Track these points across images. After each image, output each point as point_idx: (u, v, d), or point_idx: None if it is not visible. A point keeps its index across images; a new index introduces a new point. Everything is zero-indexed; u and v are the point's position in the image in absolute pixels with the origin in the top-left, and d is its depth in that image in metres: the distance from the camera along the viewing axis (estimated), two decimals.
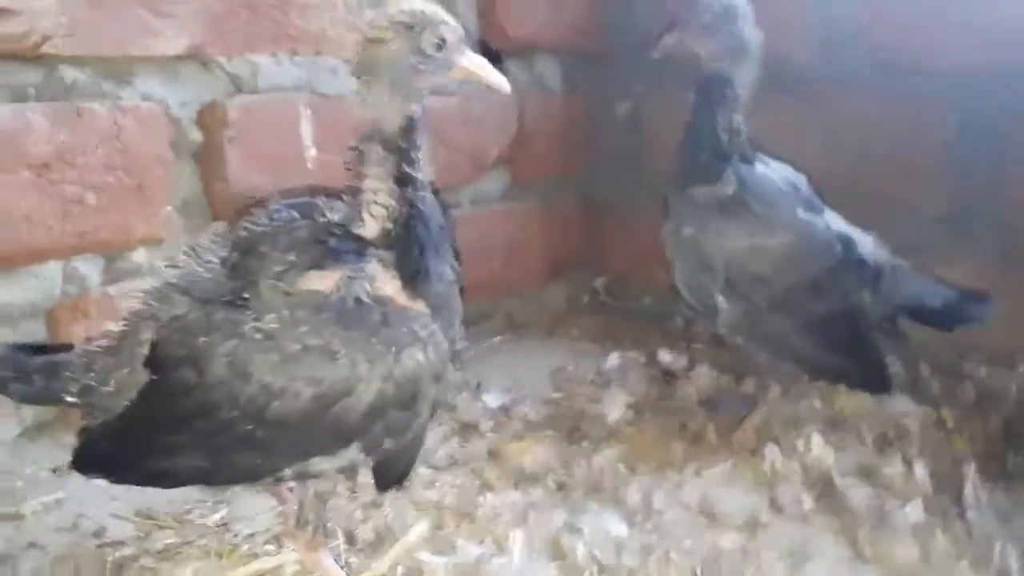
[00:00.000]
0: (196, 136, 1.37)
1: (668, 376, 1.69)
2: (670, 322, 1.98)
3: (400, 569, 1.10)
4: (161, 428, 0.92)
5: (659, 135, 1.93)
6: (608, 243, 2.18)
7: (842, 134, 1.75)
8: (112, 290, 1.31)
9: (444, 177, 1.76)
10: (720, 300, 1.36)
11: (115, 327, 0.99)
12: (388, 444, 0.93)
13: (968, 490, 1.28)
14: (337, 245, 0.92)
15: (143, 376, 0.93)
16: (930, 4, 1.64)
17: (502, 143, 1.90)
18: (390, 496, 1.21)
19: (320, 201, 0.99)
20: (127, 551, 1.13)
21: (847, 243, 1.36)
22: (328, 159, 1.51)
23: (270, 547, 1.14)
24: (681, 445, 1.43)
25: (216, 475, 0.94)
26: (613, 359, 1.73)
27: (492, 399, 1.59)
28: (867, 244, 1.39)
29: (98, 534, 1.18)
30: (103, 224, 1.26)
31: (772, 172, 1.39)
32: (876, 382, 1.37)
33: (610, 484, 1.31)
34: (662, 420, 1.51)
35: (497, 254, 1.96)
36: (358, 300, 0.90)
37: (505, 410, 1.55)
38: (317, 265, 0.91)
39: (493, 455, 1.39)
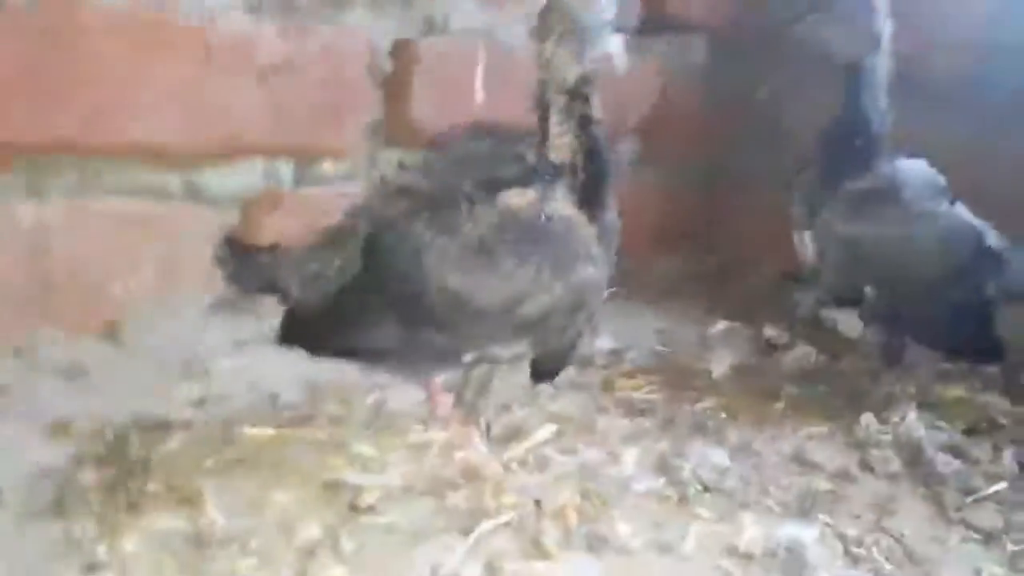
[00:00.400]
0: (387, 67, 1.54)
1: (771, 348, 1.80)
2: (776, 304, 2.09)
3: (531, 458, 1.26)
4: (369, 309, 1.09)
5: (794, 122, 2.01)
6: (726, 222, 2.28)
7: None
8: (301, 191, 1.50)
9: None
10: (868, 290, 1.47)
11: (332, 223, 1.17)
12: (553, 342, 1.11)
13: None
14: (537, 167, 1.10)
15: (356, 264, 1.11)
16: None
17: (639, 113, 2.03)
18: (521, 400, 1.39)
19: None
20: (299, 412, 1.33)
21: (979, 233, 1.45)
22: (494, 103, 1.67)
23: (419, 426, 1.31)
24: (779, 405, 1.55)
25: (408, 354, 1.12)
26: (719, 327, 1.86)
27: (604, 342, 1.74)
28: (992, 235, 1.48)
29: (273, 398, 1.38)
30: (304, 132, 1.45)
31: (912, 166, 1.49)
32: (993, 356, 1.49)
33: (712, 426, 1.44)
34: (762, 383, 1.63)
35: None
36: (548, 217, 1.07)
37: (616, 353, 1.69)
38: (519, 182, 1.09)
39: (607, 385, 1.54)
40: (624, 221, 1.90)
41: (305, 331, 1.15)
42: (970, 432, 1.50)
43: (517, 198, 1.08)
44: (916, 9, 1.59)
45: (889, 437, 1.43)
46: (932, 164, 1.55)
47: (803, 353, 1.75)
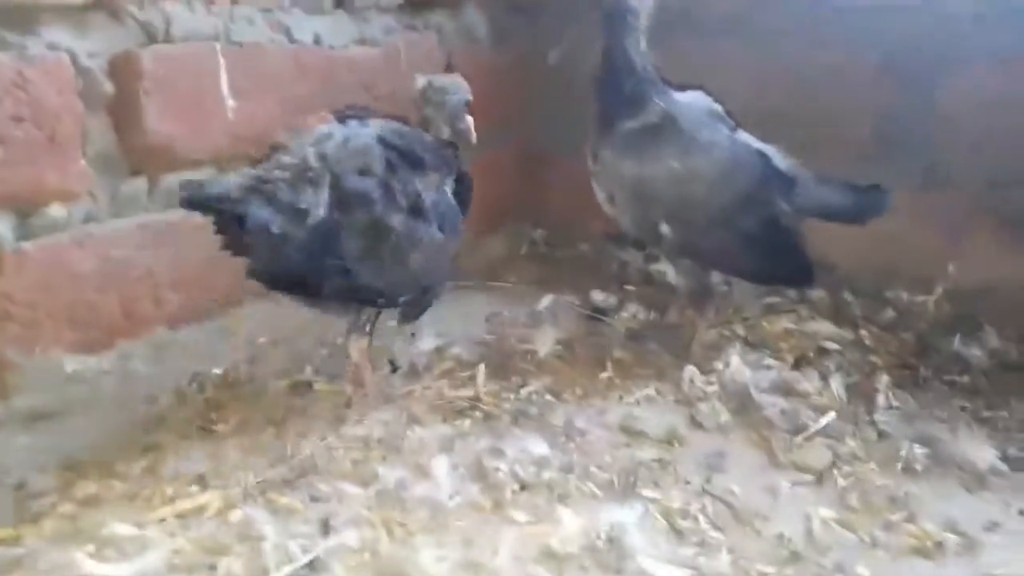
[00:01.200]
0: (108, 87, 1.35)
1: (599, 314, 1.72)
2: (606, 267, 2.02)
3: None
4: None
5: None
6: (545, 193, 2.19)
7: (772, 74, 1.79)
8: (29, 246, 1.30)
9: None
10: (663, 227, 1.41)
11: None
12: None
13: (880, 398, 1.33)
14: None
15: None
16: None
17: None
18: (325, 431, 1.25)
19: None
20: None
21: (765, 157, 1.40)
22: (248, 108, 1.51)
23: (194, 487, 1.14)
24: (606, 374, 1.46)
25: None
26: (546, 301, 1.76)
27: (426, 343, 1.60)
28: (779, 157, 1.43)
29: (20, 487, 1.18)
30: (12, 178, 1.25)
31: (688, 98, 1.43)
32: (803, 277, 1.46)
33: (536, 411, 1.34)
34: (589, 353, 1.54)
35: None
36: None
37: (440, 351, 1.57)
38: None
39: (423, 392, 1.41)
40: None
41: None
42: (798, 364, 1.46)
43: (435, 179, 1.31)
44: None
45: (716, 387, 1.36)
46: (714, 94, 1.50)
47: (631, 313, 1.68)
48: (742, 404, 1.32)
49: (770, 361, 1.44)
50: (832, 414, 1.28)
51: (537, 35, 2.13)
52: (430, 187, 1.29)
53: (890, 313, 1.68)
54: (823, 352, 1.51)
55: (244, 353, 1.52)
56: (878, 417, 1.27)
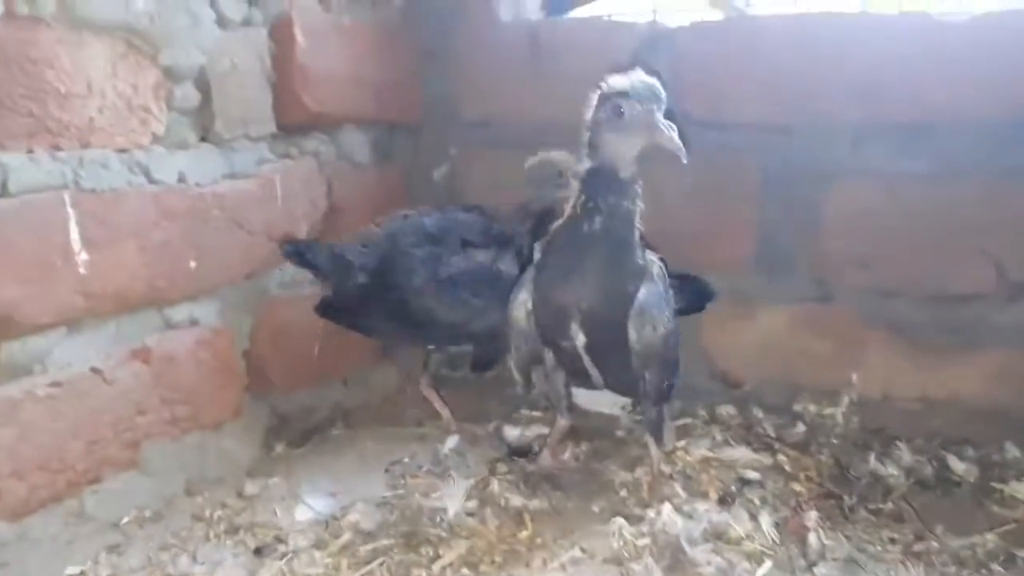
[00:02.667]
0: None
1: (514, 455, 1.60)
2: (510, 388, 1.92)
3: None
4: (374, 304, 1.60)
5: (475, 195, 1.90)
6: None
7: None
8: None
9: (248, 263, 1.62)
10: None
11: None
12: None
13: (811, 538, 1.27)
14: (491, 235, 1.64)
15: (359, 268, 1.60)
16: (731, 65, 1.70)
17: (311, 221, 1.77)
18: None
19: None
20: None
21: None
22: (102, 260, 1.33)
23: None
24: (526, 533, 1.34)
25: (396, 337, 1.78)
26: (451, 443, 1.63)
27: (314, 508, 1.43)
28: None
29: None
30: None
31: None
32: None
33: None
34: (506, 507, 1.42)
35: (314, 339, 1.81)
36: (496, 270, 1.60)
37: (336, 520, 1.40)
38: (476, 245, 1.63)
39: None
40: (328, 339, 1.80)
41: (336, 313, 1.64)
42: (724, 501, 1.39)
43: (480, 254, 1.61)
44: None
45: (647, 541, 1.27)
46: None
47: (549, 456, 1.56)
48: (676, 560, 1.23)
49: (698, 504, 1.36)
50: (768, 564, 1.21)
51: (419, 152, 2.07)
52: (472, 260, 1.60)
53: (801, 428, 1.66)
54: (746, 483, 1.45)
55: (104, 541, 1.31)
56: (817, 570, 1.20)
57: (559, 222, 1.30)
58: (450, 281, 1.57)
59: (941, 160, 1.53)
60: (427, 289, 1.57)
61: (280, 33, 1.65)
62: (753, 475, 1.47)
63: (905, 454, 1.50)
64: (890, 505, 1.36)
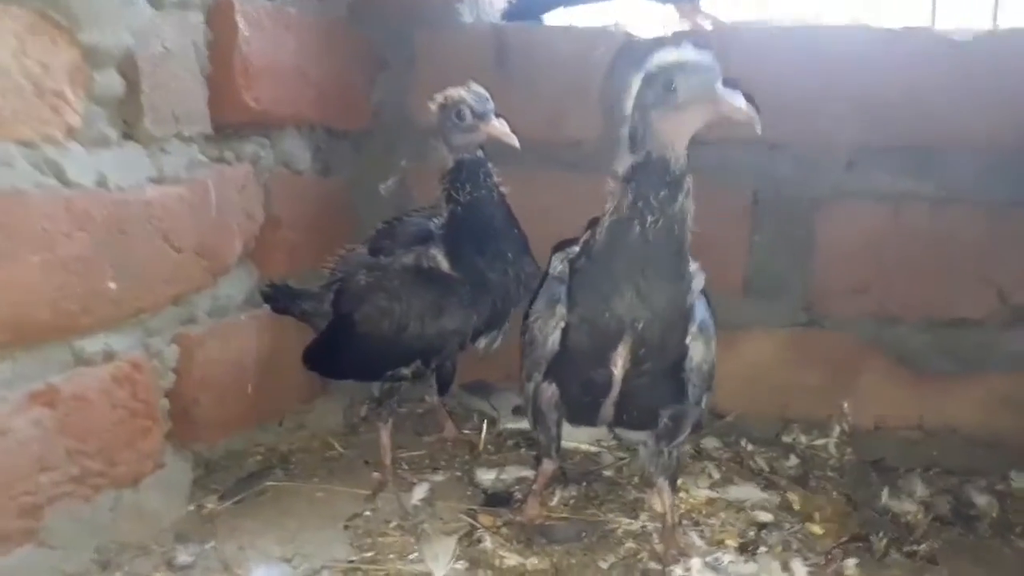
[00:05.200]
0: None
1: (492, 503, 1.40)
2: (468, 420, 1.73)
3: None
4: (335, 342, 1.51)
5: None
6: None
7: None
8: None
9: (175, 284, 1.36)
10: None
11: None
12: (436, 361, 1.49)
13: None
14: (421, 234, 1.47)
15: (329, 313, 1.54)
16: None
17: (246, 236, 1.52)
18: None
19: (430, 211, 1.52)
20: None
21: None
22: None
23: None
24: None
25: (360, 373, 1.57)
26: (420, 492, 1.41)
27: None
28: None
29: None
30: None
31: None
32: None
33: None
34: (501, 567, 1.21)
35: (247, 374, 1.56)
36: (419, 268, 1.43)
37: None
38: (407, 245, 1.47)
39: None
40: (261, 375, 1.58)
41: (316, 358, 1.57)
42: (744, 550, 1.25)
43: (406, 257, 1.46)
44: None
45: None
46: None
47: (534, 504, 1.37)
48: None
49: (720, 555, 1.20)
50: None
51: (364, 163, 1.85)
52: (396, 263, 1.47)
53: (794, 460, 1.55)
54: (761, 527, 1.31)
55: None
56: None
57: (597, 227, 1.13)
58: (373, 289, 1.45)
59: (944, 183, 1.47)
60: (359, 304, 1.46)
61: (219, 19, 1.40)
62: (766, 517, 1.34)
63: (918, 487, 1.40)
64: (924, 546, 1.24)
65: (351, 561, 1.23)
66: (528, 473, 1.48)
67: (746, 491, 1.40)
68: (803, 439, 1.60)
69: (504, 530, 1.30)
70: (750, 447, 1.59)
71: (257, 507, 1.40)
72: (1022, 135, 1.40)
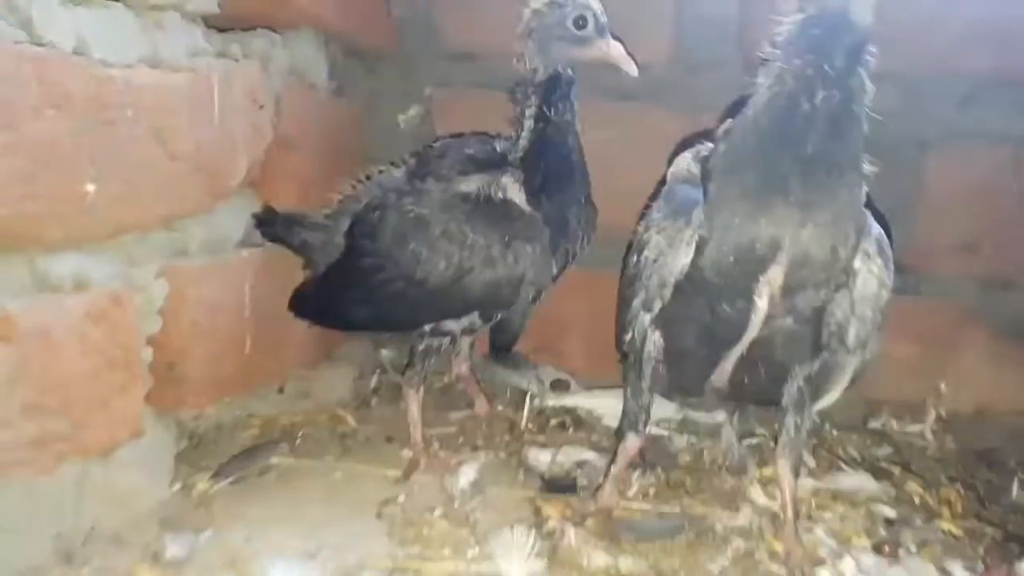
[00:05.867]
0: None
1: (553, 488, 1.14)
2: (498, 396, 1.47)
3: None
4: (347, 283, 1.22)
5: None
6: None
7: None
8: None
9: (168, 202, 1.07)
10: None
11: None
12: (500, 314, 1.21)
13: None
14: (484, 159, 1.21)
15: (343, 243, 1.24)
16: None
17: (252, 154, 1.23)
18: None
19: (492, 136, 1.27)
20: None
21: None
22: None
23: None
24: None
25: (381, 324, 1.28)
26: (468, 472, 1.14)
27: None
28: None
29: None
30: None
31: None
32: None
33: None
34: (589, 569, 0.95)
35: (244, 328, 1.26)
36: (488, 200, 1.16)
37: None
38: (466, 172, 1.19)
39: None
40: (260, 330, 1.27)
41: (308, 304, 1.28)
42: (880, 550, 1.02)
43: (464, 184, 1.18)
44: None
45: None
46: None
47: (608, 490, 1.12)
48: None
49: (860, 556, 0.97)
50: None
51: (377, 89, 1.57)
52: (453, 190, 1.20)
53: (887, 449, 1.33)
54: (888, 523, 1.08)
55: None
56: None
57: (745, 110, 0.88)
58: (422, 222, 1.16)
59: None
60: (397, 240, 1.17)
61: None
62: (889, 512, 1.11)
63: None
64: None
65: (394, 558, 0.95)
66: (589, 455, 1.23)
67: (858, 481, 1.17)
68: (894, 424, 1.38)
69: (583, 522, 1.03)
70: (835, 432, 1.37)
71: (262, 490, 1.11)
72: None
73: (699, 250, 0.90)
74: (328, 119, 1.43)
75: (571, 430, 1.36)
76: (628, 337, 1.01)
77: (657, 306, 0.95)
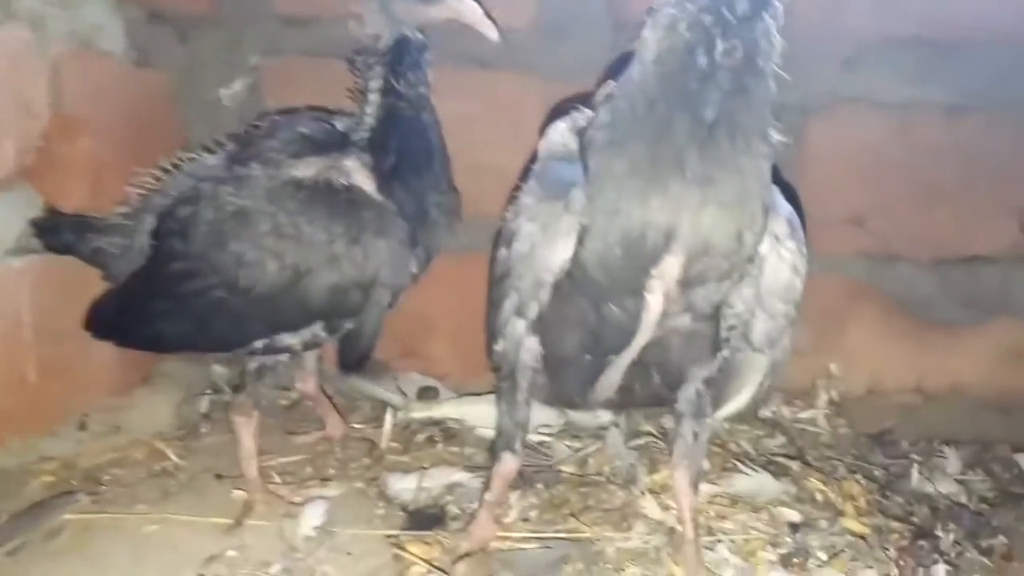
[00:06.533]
0: None
1: (419, 525, 0.97)
2: (356, 411, 1.28)
3: None
4: (154, 293, 0.99)
5: None
6: None
7: None
8: None
9: None
10: None
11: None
12: (348, 324, 0.98)
13: None
14: (322, 139, 1.01)
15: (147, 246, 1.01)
16: None
17: (22, 139, 0.99)
18: None
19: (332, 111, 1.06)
20: None
21: None
22: None
23: None
24: None
25: (198, 341, 1.02)
26: (313, 513, 0.95)
27: None
28: None
29: None
30: None
31: None
32: None
33: None
34: None
35: (25, 353, 1.03)
36: (328, 187, 0.95)
37: None
38: (300, 155, 0.98)
39: None
40: (48, 352, 1.14)
41: (109, 321, 1.03)
42: (789, 562, 0.90)
43: (298, 169, 0.97)
44: None
45: None
46: None
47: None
48: None
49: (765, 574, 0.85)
50: None
51: (194, 60, 1.34)
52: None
53: (780, 439, 1.24)
54: (792, 528, 0.97)
55: None
56: None
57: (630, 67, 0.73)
58: (244, 216, 0.95)
59: (962, 88, 1.20)
60: (213, 239, 0.96)
61: None
62: (792, 514, 1.00)
63: (951, 462, 1.14)
64: (1000, 539, 0.96)
65: None
66: (460, 476, 1.06)
67: (757, 482, 1.06)
68: (786, 412, 1.30)
69: (455, 564, 0.87)
70: (725, 424, 1.26)
71: (49, 558, 0.89)
72: None
73: (580, 240, 0.74)
74: (128, 95, 1.19)
75: (440, 445, 1.19)
76: (499, 347, 0.85)
77: (533, 310, 0.79)
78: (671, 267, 0.72)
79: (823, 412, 1.29)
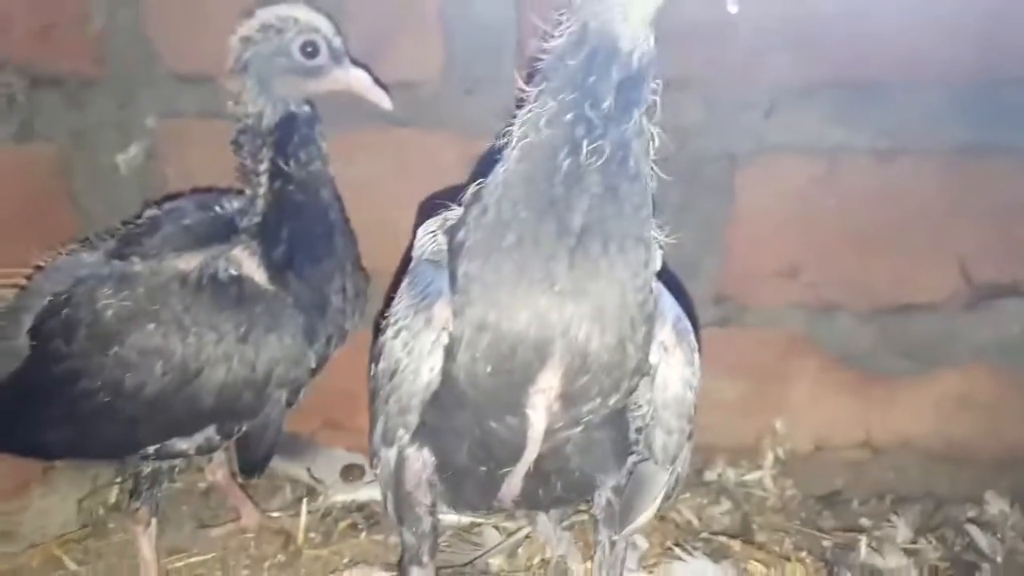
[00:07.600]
0: None
1: None
2: (275, 494, 1.21)
3: None
4: (34, 398, 0.93)
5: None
6: None
7: None
8: None
9: None
10: None
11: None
12: (244, 426, 0.93)
13: None
14: (204, 231, 0.94)
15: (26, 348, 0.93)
16: None
17: None
18: None
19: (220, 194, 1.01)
20: None
21: None
22: None
23: None
24: None
25: (85, 449, 0.95)
26: None
27: None
28: None
29: None
30: None
31: None
32: None
33: None
34: None
35: None
36: (214, 280, 0.90)
37: None
38: (182, 248, 0.92)
39: None
40: None
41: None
42: None
43: (180, 262, 0.91)
44: None
45: None
46: None
47: None
48: None
49: None
50: None
51: (85, 125, 1.25)
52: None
53: (726, 505, 1.18)
54: None
55: None
56: None
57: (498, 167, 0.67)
58: (128, 315, 0.89)
59: (889, 130, 1.14)
60: (96, 341, 0.90)
61: None
62: None
63: (900, 531, 1.08)
64: None
65: None
66: (385, 574, 0.99)
67: (696, 569, 1.00)
68: (731, 474, 1.24)
69: None
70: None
71: None
72: (991, 69, 1.11)
73: (450, 354, 0.67)
74: (5, 173, 1.10)
75: (364, 534, 1.12)
76: (385, 461, 0.77)
77: (400, 436, 0.73)
78: (548, 382, 0.65)
79: (770, 473, 1.23)
